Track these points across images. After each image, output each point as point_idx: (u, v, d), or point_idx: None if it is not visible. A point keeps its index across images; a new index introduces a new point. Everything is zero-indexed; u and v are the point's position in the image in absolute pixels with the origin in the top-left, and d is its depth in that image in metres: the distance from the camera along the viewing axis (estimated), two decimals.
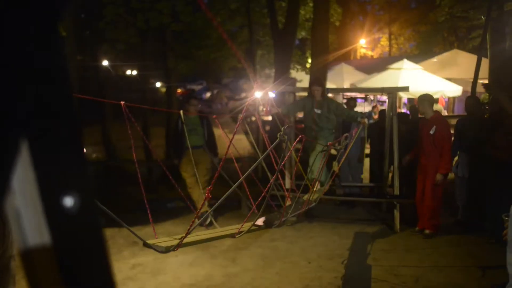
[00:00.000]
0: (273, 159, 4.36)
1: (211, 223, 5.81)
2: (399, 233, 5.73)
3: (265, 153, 3.06)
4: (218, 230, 3.57)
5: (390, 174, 6.42)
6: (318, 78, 6.25)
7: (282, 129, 4.42)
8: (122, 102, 2.93)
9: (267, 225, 3.60)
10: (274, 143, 3.41)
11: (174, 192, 7.33)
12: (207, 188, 2.37)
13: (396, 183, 5.91)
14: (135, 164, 3.64)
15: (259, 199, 3.17)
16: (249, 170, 3.03)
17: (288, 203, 5.36)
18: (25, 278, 0.46)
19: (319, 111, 5.75)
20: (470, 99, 6.27)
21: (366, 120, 5.70)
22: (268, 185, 3.04)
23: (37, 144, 0.44)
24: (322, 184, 5.22)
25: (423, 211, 5.59)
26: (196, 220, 2.40)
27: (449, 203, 6.31)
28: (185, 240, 2.51)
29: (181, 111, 4.94)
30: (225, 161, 2.87)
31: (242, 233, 3.05)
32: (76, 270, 0.46)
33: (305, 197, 4.42)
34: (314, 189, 4.68)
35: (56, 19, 0.46)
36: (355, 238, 5.57)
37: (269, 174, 4.53)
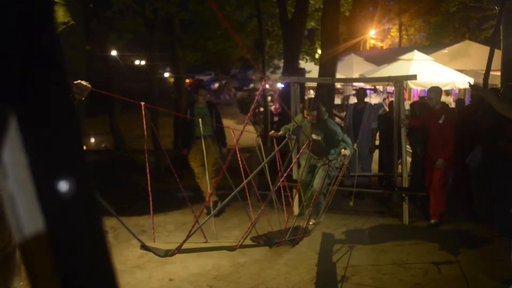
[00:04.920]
0: (278, 163, 4.28)
1: (218, 213, 5.83)
2: (408, 225, 5.70)
3: (269, 156, 3.03)
4: (218, 242, 3.60)
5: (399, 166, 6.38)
6: (313, 100, 5.28)
7: (290, 130, 4.35)
8: (142, 103, 2.93)
9: (266, 243, 3.59)
10: (281, 145, 3.37)
11: (183, 182, 7.36)
12: (213, 181, 2.34)
13: (405, 174, 5.88)
14: (142, 154, 3.64)
15: (262, 208, 3.11)
16: (252, 174, 3.02)
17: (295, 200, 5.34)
18: (23, 265, 0.45)
19: (318, 138, 5.17)
20: (491, 91, 6.24)
21: (348, 152, 4.93)
22: (270, 194, 3.01)
23: (29, 126, 0.43)
24: (317, 212, 5.01)
25: (430, 200, 5.67)
26: (197, 224, 2.35)
27: (461, 195, 6.27)
28: (184, 247, 2.50)
29: (200, 120, 4.86)
30: (232, 151, 2.84)
31: (237, 246, 3.03)
32: (71, 258, 0.45)
33: (301, 224, 4.39)
34: (310, 223, 4.57)
35: None
36: (363, 230, 5.55)
37: (270, 184, 4.42)
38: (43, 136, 0.44)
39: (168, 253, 2.38)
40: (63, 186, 0.44)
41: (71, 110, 0.47)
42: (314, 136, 5.12)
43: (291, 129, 5.35)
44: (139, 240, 2.39)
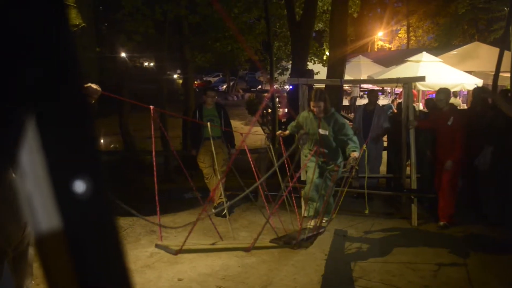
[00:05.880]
0: (286, 165, 4.26)
1: (225, 215, 5.85)
2: (417, 227, 5.68)
3: (280, 161, 3.06)
4: (233, 243, 3.62)
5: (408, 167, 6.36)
6: (319, 91, 4.93)
7: (298, 134, 4.35)
8: (152, 107, 2.97)
9: (286, 243, 3.61)
10: (290, 150, 3.38)
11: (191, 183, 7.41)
12: (216, 185, 2.39)
13: (413, 176, 5.86)
14: (152, 155, 3.69)
15: (275, 208, 3.14)
16: (262, 178, 3.07)
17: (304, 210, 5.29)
18: (40, 263, 0.46)
19: (325, 132, 4.81)
20: (502, 92, 6.26)
21: (357, 154, 4.58)
22: (282, 198, 3.04)
23: (46, 126, 0.44)
24: (328, 211, 4.83)
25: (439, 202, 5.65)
26: (204, 215, 2.41)
27: (470, 197, 6.23)
28: (201, 247, 2.57)
29: (209, 123, 4.82)
30: (240, 152, 2.87)
31: (251, 247, 3.05)
32: (87, 256, 0.46)
33: (315, 222, 4.38)
34: (323, 221, 4.45)
35: None
36: (371, 232, 5.54)
37: (282, 185, 4.38)
38: (60, 136, 0.45)
39: (178, 251, 2.44)
40: (79, 185, 0.45)
41: (86, 111, 0.48)
42: (321, 131, 4.78)
43: (296, 129, 5.18)
44: (158, 224, 2.45)
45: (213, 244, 3.14)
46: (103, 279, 0.47)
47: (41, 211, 0.44)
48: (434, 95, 6.59)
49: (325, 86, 8.47)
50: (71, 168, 0.46)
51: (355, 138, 4.79)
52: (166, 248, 2.54)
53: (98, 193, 0.47)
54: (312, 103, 4.80)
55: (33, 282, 3.08)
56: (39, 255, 0.46)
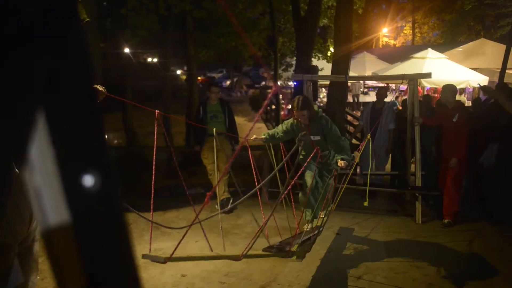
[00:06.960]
0: (286, 168, 4.20)
1: (230, 211, 5.86)
2: (421, 224, 5.65)
3: (280, 164, 3.05)
4: (223, 253, 3.56)
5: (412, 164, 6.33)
6: (301, 98, 4.58)
7: (298, 136, 4.31)
8: (157, 111, 2.96)
9: (279, 250, 3.55)
10: (291, 151, 3.36)
11: (194, 178, 7.40)
12: (224, 179, 2.36)
13: (418, 174, 5.83)
14: (154, 151, 3.67)
15: (270, 214, 3.11)
16: (264, 181, 3.04)
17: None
18: (46, 257, 0.46)
19: (317, 138, 4.63)
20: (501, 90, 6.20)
21: (343, 163, 4.33)
22: (281, 197, 3.02)
23: (56, 121, 0.44)
24: (327, 205, 4.58)
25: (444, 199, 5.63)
26: (197, 220, 2.34)
27: (475, 194, 6.20)
28: (191, 255, 2.51)
29: (214, 129, 4.72)
30: (243, 148, 2.83)
31: (242, 256, 3.00)
32: (95, 251, 0.46)
33: (313, 224, 4.33)
34: (321, 216, 4.32)
35: None
36: (376, 229, 5.52)
37: (280, 185, 4.32)
38: (70, 131, 0.45)
39: (167, 259, 2.37)
40: (89, 180, 0.45)
41: (95, 106, 0.48)
42: (313, 138, 4.56)
43: (278, 134, 4.81)
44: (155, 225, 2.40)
45: (212, 251, 3.11)
46: (110, 274, 0.47)
47: (49, 205, 0.45)
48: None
49: (330, 82, 8.44)
50: (80, 162, 0.46)
51: (344, 142, 4.64)
52: (154, 258, 2.45)
53: (107, 188, 0.47)
54: (295, 113, 4.56)
55: (38, 277, 3.08)
56: (47, 249, 0.46)
